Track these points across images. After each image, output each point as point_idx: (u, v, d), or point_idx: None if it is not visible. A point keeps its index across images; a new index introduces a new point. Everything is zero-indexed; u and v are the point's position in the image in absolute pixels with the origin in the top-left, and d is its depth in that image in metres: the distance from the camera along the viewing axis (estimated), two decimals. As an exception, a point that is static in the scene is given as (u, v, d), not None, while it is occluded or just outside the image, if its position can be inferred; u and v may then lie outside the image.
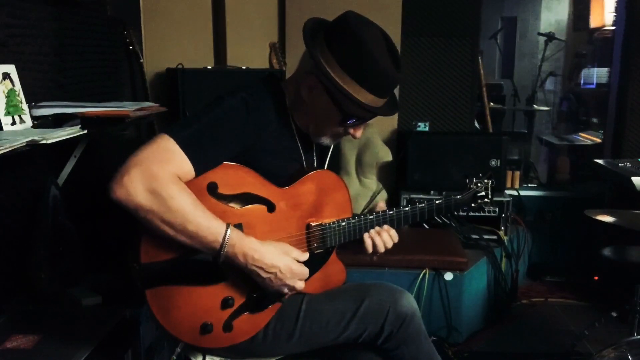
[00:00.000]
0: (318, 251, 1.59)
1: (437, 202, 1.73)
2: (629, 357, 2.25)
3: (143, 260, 1.35)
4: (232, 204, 1.43)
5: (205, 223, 1.32)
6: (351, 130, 1.57)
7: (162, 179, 1.28)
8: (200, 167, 1.36)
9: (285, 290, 1.47)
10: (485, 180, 1.81)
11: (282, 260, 1.42)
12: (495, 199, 1.89)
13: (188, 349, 1.58)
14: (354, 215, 1.64)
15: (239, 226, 1.41)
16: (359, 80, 1.45)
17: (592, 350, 2.80)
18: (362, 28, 1.46)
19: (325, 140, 1.61)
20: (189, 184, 1.34)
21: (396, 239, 1.67)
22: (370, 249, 1.64)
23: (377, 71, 1.46)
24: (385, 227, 1.65)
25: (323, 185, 1.60)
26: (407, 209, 1.67)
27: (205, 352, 1.56)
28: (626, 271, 2.74)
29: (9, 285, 2.02)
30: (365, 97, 1.47)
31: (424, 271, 2.94)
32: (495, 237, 3.39)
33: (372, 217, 1.63)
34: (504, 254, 3.40)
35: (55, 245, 2.08)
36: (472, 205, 1.81)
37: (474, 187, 1.80)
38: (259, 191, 1.47)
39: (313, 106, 1.53)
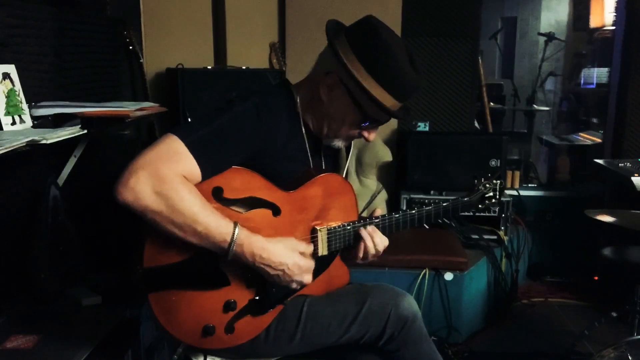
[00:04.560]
0: (323, 254, 1.58)
1: (444, 204, 1.71)
2: (629, 357, 2.25)
3: (146, 264, 1.35)
4: (237, 208, 1.42)
5: (213, 223, 1.32)
6: (365, 133, 1.57)
7: (170, 180, 1.28)
8: (208, 171, 1.36)
9: (294, 286, 1.47)
10: (494, 181, 1.80)
11: (289, 257, 1.42)
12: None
13: (189, 350, 1.58)
14: (359, 219, 1.64)
15: None
16: (383, 83, 1.46)
17: (592, 350, 2.80)
18: (386, 33, 1.47)
19: (338, 143, 1.61)
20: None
21: (387, 242, 1.63)
22: (361, 254, 1.60)
23: (400, 75, 1.47)
24: (374, 229, 1.61)
25: (329, 188, 1.59)
26: (413, 211, 1.66)
27: (206, 352, 1.56)
28: (626, 271, 2.74)
29: (9, 285, 2.01)
30: (386, 100, 1.48)
31: (424, 271, 2.94)
32: (495, 237, 3.39)
33: (377, 220, 1.62)
34: (504, 254, 3.41)
35: (55, 245, 2.08)
36: (480, 206, 1.80)
37: (482, 188, 1.78)
38: (264, 195, 1.46)
39: (331, 106, 1.53)
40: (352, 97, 1.49)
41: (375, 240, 1.59)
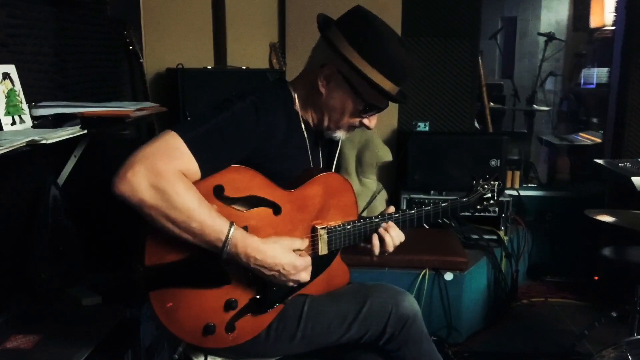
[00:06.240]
0: (323, 253, 1.58)
1: (443, 204, 1.72)
2: (629, 357, 2.25)
3: (147, 262, 1.35)
4: (238, 207, 1.42)
5: (209, 221, 1.32)
6: (365, 121, 1.58)
7: (167, 175, 1.27)
8: (207, 168, 1.35)
9: (291, 284, 1.47)
10: (492, 182, 1.80)
11: (284, 257, 1.42)
12: (495, 199, 1.88)
13: (189, 349, 1.58)
14: (359, 218, 1.64)
15: (244, 229, 1.40)
16: (379, 67, 1.47)
17: (592, 350, 2.80)
18: (375, 19, 1.49)
19: (340, 134, 1.62)
20: (195, 186, 1.33)
21: (403, 237, 1.64)
22: (377, 250, 1.62)
23: (395, 59, 1.48)
24: (391, 223, 1.63)
25: (330, 187, 1.59)
26: (412, 211, 1.67)
27: (206, 352, 1.56)
28: (626, 271, 2.74)
29: (9, 285, 2.01)
30: (385, 84, 1.49)
31: (424, 271, 2.94)
32: (495, 237, 3.39)
33: (377, 219, 1.62)
34: (504, 254, 3.41)
35: (55, 245, 2.08)
36: (478, 207, 1.80)
37: (480, 189, 1.79)
38: (265, 194, 1.46)
39: (330, 98, 1.53)
40: (350, 85, 1.50)
41: (393, 234, 1.61)
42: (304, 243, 1.50)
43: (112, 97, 2.80)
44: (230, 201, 1.41)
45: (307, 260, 1.48)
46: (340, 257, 1.70)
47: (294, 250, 1.46)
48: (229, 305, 1.44)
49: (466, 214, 2.89)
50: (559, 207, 3.96)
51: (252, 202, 1.45)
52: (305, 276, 1.48)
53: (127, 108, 2.16)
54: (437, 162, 3.45)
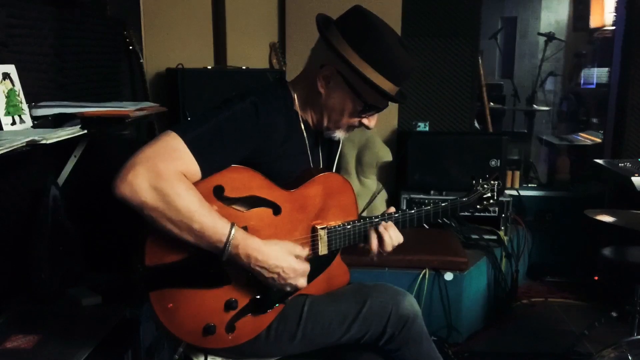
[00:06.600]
0: (323, 254, 1.58)
1: (443, 204, 1.71)
2: (629, 357, 2.25)
3: (147, 262, 1.34)
4: (238, 207, 1.42)
5: (210, 223, 1.32)
6: (365, 121, 1.58)
7: (168, 176, 1.27)
8: (207, 169, 1.35)
9: (288, 289, 1.47)
10: (492, 182, 1.80)
11: (285, 260, 1.42)
12: (495, 199, 1.88)
13: (190, 349, 1.58)
14: (359, 218, 1.64)
15: (244, 229, 1.40)
16: (378, 68, 1.47)
17: (592, 350, 2.81)
18: (375, 19, 1.49)
19: (339, 134, 1.62)
20: (195, 186, 1.33)
21: (401, 239, 1.64)
22: (374, 247, 1.60)
23: (394, 59, 1.48)
24: (390, 223, 1.62)
25: (329, 188, 1.59)
26: (412, 211, 1.66)
27: (207, 352, 1.56)
28: (626, 271, 2.74)
29: (9, 285, 2.02)
30: (384, 84, 1.49)
31: (424, 271, 2.94)
32: (495, 237, 3.39)
33: (377, 219, 1.62)
34: (504, 254, 3.40)
35: (55, 245, 2.08)
36: (478, 207, 1.80)
37: (480, 188, 1.78)
38: (265, 194, 1.46)
39: (330, 98, 1.53)
40: (349, 85, 1.50)
41: (391, 233, 1.60)
42: (304, 251, 1.50)
43: (112, 97, 2.80)
44: (230, 201, 1.41)
45: (307, 265, 1.48)
46: (340, 257, 1.70)
47: (294, 256, 1.46)
48: (229, 305, 1.44)
49: (466, 214, 2.89)
50: (559, 207, 3.96)
51: (252, 202, 1.44)
52: (302, 282, 1.48)
53: (127, 108, 2.16)
54: (437, 162, 3.45)
